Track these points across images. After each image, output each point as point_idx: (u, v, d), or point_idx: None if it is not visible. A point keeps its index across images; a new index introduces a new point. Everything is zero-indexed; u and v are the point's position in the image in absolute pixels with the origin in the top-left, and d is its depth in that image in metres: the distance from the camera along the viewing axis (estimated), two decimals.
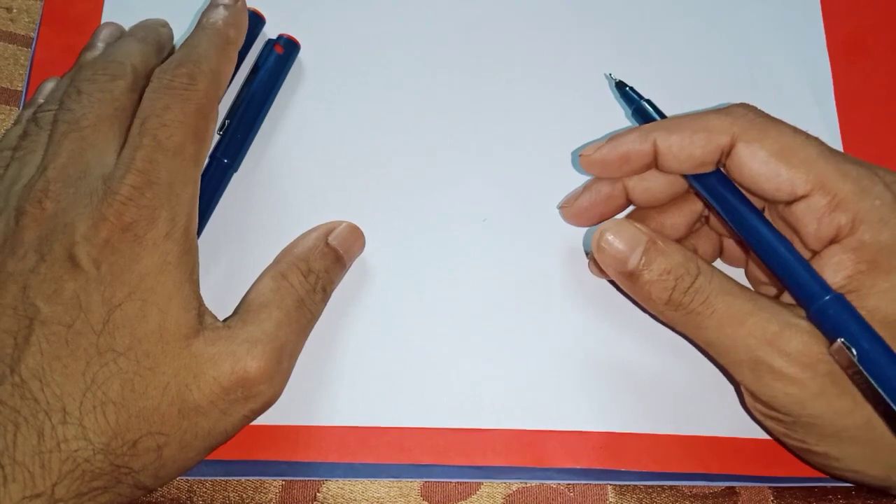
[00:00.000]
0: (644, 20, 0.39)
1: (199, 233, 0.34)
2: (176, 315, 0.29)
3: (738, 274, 0.35)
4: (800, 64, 0.39)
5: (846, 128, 0.38)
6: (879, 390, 0.26)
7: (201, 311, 0.30)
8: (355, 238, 0.34)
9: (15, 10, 0.39)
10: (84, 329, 0.27)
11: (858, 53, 0.39)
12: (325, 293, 0.33)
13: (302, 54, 0.38)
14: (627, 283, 0.31)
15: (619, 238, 0.30)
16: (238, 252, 0.34)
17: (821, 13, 0.40)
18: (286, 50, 0.37)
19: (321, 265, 0.32)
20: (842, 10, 0.40)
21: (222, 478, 0.32)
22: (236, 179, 0.36)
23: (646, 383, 0.33)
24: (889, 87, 0.39)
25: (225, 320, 0.30)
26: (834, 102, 0.38)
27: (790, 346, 0.28)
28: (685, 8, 0.40)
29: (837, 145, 0.37)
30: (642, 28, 0.39)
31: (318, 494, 0.32)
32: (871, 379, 0.26)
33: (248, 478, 0.32)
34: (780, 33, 0.39)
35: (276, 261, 0.33)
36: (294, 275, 0.32)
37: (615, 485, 0.33)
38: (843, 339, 0.27)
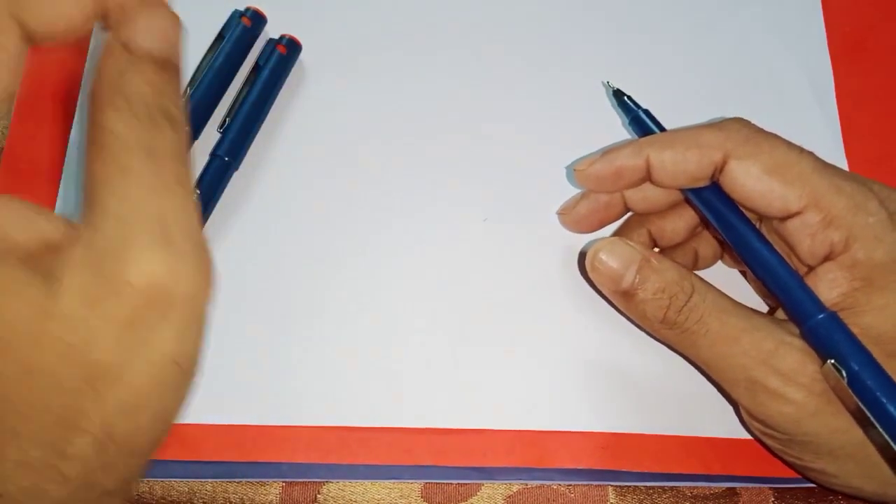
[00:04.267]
0: (644, 21, 0.39)
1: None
2: (7, 308, 0.20)
3: (740, 276, 0.35)
4: (800, 64, 0.39)
5: (847, 127, 0.38)
6: (867, 413, 0.26)
7: (44, 261, 0.20)
8: (161, 18, 0.22)
9: None
10: None
11: (859, 53, 0.39)
12: (173, 118, 0.22)
13: (303, 55, 0.38)
14: (622, 302, 0.31)
15: (612, 257, 0.30)
16: (238, 250, 0.34)
17: (821, 13, 0.40)
18: (288, 50, 0.37)
19: (140, 84, 0.21)
20: (842, 9, 0.40)
21: (223, 479, 0.32)
22: (237, 178, 0.35)
23: (647, 384, 0.33)
24: (890, 86, 0.39)
25: (77, 230, 0.21)
26: (835, 102, 0.38)
27: (784, 365, 0.28)
28: (686, 8, 0.40)
29: (838, 145, 0.37)
30: (643, 29, 0.39)
31: (318, 496, 0.32)
32: (858, 401, 0.26)
33: (248, 479, 0.32)
34: (780, 33, 0.39)
35: (87, 112, 0.21)
36: (113, 118, 0.21)
37: (616, 486, 0.33)
38: (832, 361, 0.27)
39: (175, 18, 0.23)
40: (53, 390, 0.20)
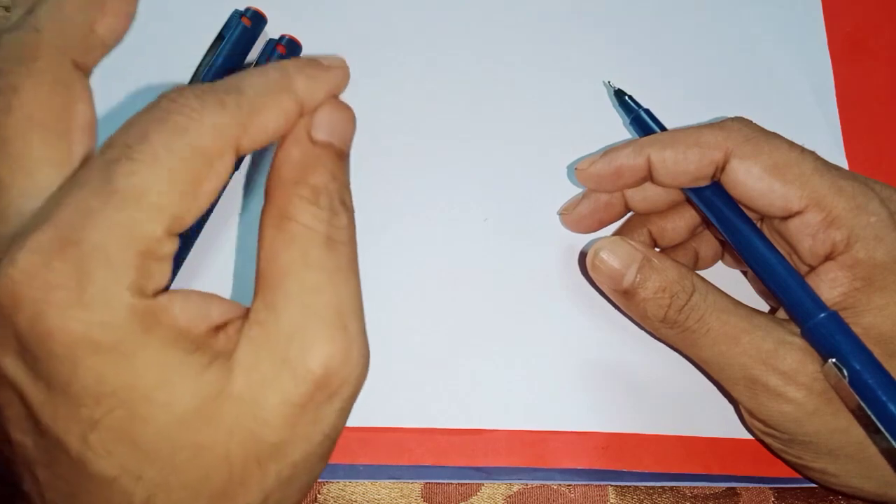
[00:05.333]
0: (645, 21, 0.39)
1: (198, 231, 0.34)
2: (183, 391, 0.20)
3: (741, 276, 0.35)
4: (801, 63, 0.39)
5: (847, 127, 0.38)
6: (868, 412, 0.26)
7: (214, 342, 0.21)
8: (342, 113, 0.24)
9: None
10: (65, 466, 0.21)
11: (860, 52, 0.39)
12: (347, 206, 0.23)
13: (303, 55, 0.38)
14: (623, 301, 0.31)
15: (613, 256, 0.30)
16: (238, 250, 0.34)
17: (822, 12, 0.40)
18: (288, 50, 0.37)
19: (324, 175, 0.23)
20: (843, 9, 0.40)
21: None
22: (237, 178, 0.35)
23: (647, 384, 0.33)
24: (890, 85, 0.39)
25: (250, 310, 0.22)
26: (835, 101, 0.38)
27: (785, 365, 0.28)
28: (686, 8, 0.40)
29: (839, 145, 0.37)
30: (644, 28, 0.39)
31: (318, 496, 0.32)
32: (860, 400, 0.26)
33: None
34: (781, 33, 0.39)
35: (268, 196, 0.23)
36: (300, 209, 0.22)
37: (616, 486, 0.33)
38: (834, 360, 0.27)
39: (352, 114, 0.25)
40: (221, 464, 0.21)
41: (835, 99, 0.38)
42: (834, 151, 0.37)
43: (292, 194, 0.22)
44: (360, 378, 0.23)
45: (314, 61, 0.24)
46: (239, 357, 0.21)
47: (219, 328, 0.22)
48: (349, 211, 0.23)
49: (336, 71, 0.24)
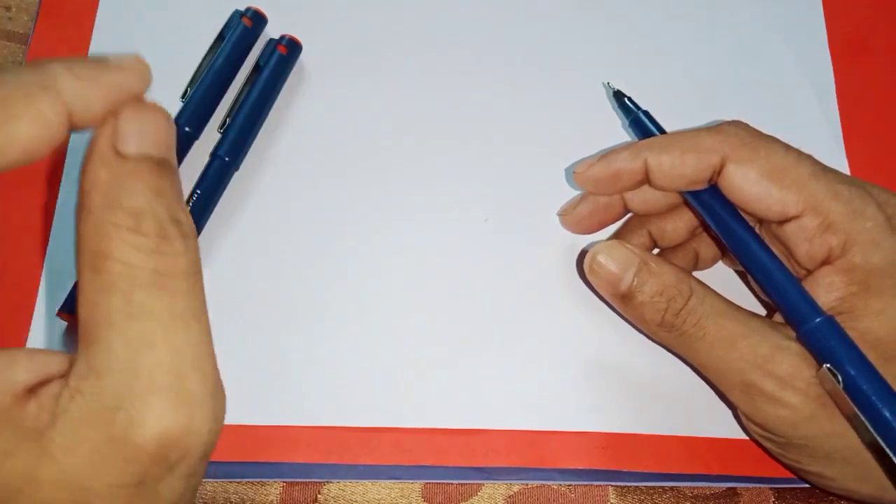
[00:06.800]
0: (645, 22, 0.39)
1: (199, 231, 0.34)
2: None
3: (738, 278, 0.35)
4: (801, 63, 0.39)
5: (847, 127, 0.38)
6: (863, 418, 0.26)
7: (22, 415, 0.18)
8: (151, 115, 0.20)
9: (14, 9, 0.39)
10: None
11: (860, 52, 0.39)
12: (182, 225, 0.19)
13: (303, 55, 0.38)
14: (621, 305, 0.31)
15: (611, 260, 0.30)
16: (238, 250, 0.34)
17: (822, 12, 0.40)
18: (288, 50, 0.37)
19: (145, 193, 0.19)
20: (843, 9, 0.40)
21: (223, 479, 0.32)
22: (237, 178, 0.35)
23: (647, 384, 0.33)
24: (890, 86, 0.39)
25: (71, 373, 0.19)
26: (835, 102, 0.38)
27: (781, 370, 0.28)
28: (686, 8, 0.40)
29: (839, 145, 0.37)
30: (643, 29, 0.39)
31: (318, 496, 0.32)
32: (854, 406, 0.26)
33: (248, 479, 0.32)
34: (781, 33, 0.39)
35: (78, 234, 0.19)
36: (118, 241, 0.18)
37: (616, 486, 0.33)
38: (828, 365, 0.27)
39: (164, 114, 0.20)
40: None
41: (835, 99, 0.38)
42: (834, 151, 0.37)
43: (106, 224, 0.18)
44: (208, 442, 0.19)
45: (92, 60, 0.20)
46: (54, 437, 0.18)
47: (31, 391, 0.18)
48: (186, 231, 0.19)
49: (124, 72, 0.20)
